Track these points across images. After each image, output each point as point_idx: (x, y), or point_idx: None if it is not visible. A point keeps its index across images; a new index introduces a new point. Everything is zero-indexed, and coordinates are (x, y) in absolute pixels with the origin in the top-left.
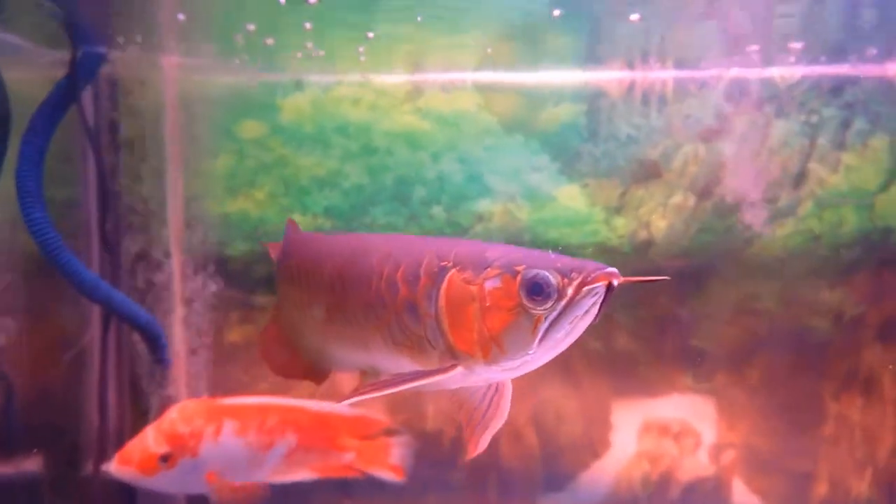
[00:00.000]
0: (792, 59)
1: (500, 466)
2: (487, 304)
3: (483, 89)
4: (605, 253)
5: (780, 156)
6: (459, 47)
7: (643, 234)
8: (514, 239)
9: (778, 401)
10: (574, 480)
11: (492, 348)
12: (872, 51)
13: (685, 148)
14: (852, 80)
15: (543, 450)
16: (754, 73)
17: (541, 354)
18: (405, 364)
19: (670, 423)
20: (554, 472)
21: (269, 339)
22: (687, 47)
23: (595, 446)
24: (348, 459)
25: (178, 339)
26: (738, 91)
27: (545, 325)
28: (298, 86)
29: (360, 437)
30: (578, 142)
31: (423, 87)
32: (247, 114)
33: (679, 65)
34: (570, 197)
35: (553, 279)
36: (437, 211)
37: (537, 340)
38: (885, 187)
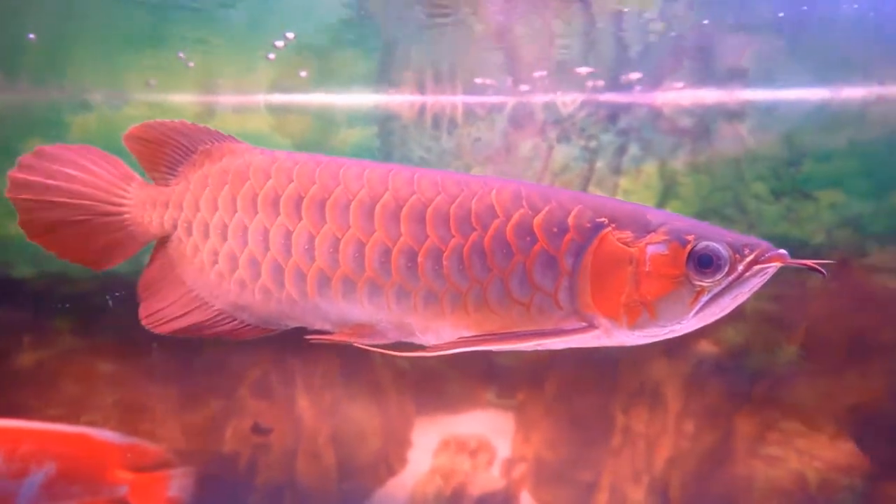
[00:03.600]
0: (572, 86)
1: (295, 486)
2: (647, 270)
3: (275, 111)
4: None
5: (561, 179)
6: (251, 68)
7: None
8: None
9: (571, 414)
10: (369, 498)
11: (640, 314)
12: (642, 81)
13: (474, 170)
14: (625, 108)
15: (341, 468)
16: (538, 99)
17: (689, 326)
18: (462, 328)
19: (468, 440)
20: (350, 491)
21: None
22: (475, 73)
23: (392, 463)
24: (120, 493)
25: None
26: (523, 116)
27: (706, 298)
28: (86, 105)
29: (133, 467)
30: None
31: (215, 108)
32: (32, 132)
33: (468, 90)
34: None
35: (725, 253)
36: None
37: (693, 312)
38: None
